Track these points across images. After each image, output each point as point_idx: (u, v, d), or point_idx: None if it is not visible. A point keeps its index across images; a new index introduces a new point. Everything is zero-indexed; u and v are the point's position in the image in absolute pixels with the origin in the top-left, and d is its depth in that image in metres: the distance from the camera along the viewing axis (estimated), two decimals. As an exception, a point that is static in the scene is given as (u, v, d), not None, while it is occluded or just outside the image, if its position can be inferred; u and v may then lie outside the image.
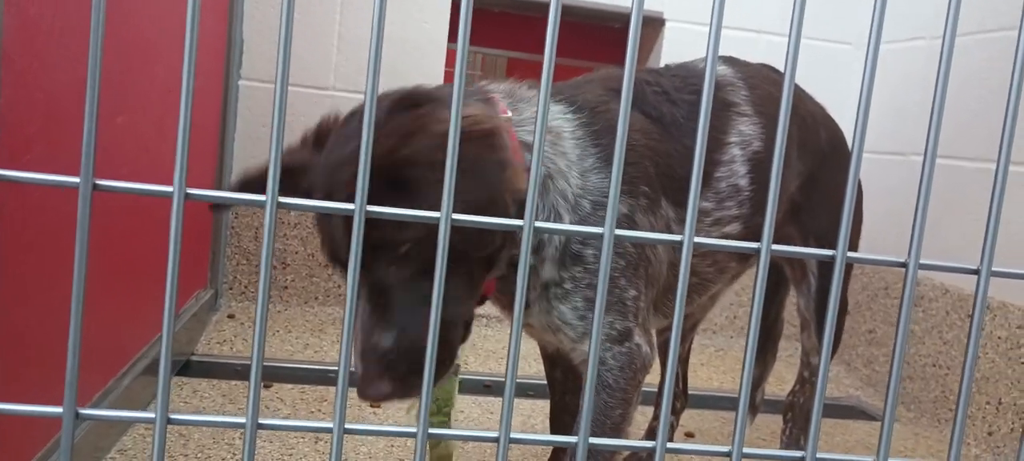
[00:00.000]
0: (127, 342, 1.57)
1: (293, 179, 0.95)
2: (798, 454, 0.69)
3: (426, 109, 0.95)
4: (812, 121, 1.41)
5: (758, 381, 1.66)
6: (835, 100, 1.83)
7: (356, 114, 0.99)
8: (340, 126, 1.00)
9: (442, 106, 0.95)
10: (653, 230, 1.12)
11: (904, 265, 0.70)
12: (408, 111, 0.94)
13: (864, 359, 2.55)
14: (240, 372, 1.95)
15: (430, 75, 2.58)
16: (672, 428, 1.70)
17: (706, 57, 0.61)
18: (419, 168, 0.89)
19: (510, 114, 1.07)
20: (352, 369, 0.86)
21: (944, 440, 2.08)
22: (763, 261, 0.66)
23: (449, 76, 3.66)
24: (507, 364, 0.62)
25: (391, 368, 0.92)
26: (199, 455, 1.48)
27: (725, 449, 0.70)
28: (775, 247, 0.66)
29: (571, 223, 1.08)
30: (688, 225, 0.65)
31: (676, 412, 1.70)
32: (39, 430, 1.18)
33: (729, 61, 1.35)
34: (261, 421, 0.61)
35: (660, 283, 1.20)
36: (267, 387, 1.88)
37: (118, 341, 1.52)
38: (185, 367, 1.94)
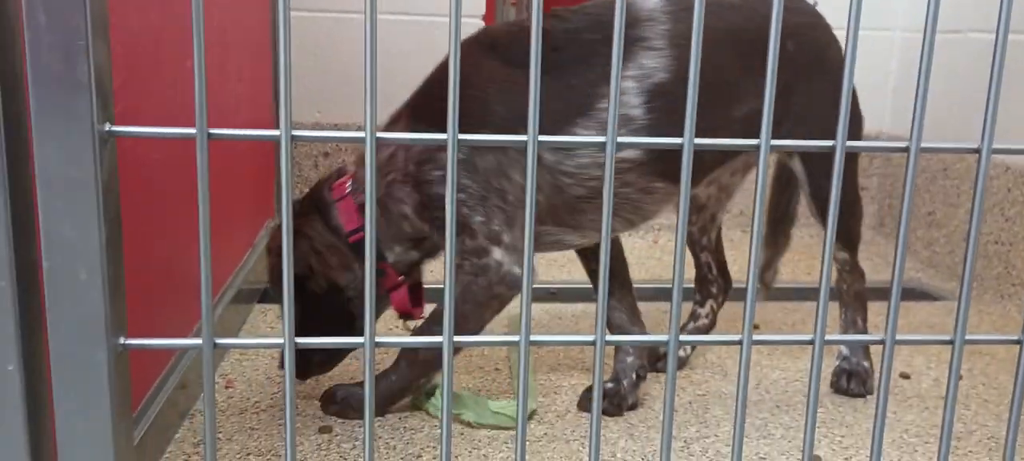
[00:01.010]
0: (215, 275, 1.65)
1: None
2: (878, 337, 0.73)
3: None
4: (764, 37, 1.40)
5: (769, 262, 1.74)
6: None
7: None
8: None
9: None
10: (500, 166, 1.31)
11: (977, 151, 0.73)
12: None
13: (924, 241, 2.55)
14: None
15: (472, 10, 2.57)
16: (713, 313, 1.76)
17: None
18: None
19: (348, 187, 1.41)
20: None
21: (1008, 315, 2.09)
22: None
23: (489, 2, 3.63)
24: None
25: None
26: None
27: (808, 337, 0.74)
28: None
29: (411, 194, 1.37)
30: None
31: (716, 301, 1.75)
32: (154, 360, 1.27)
33: None
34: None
35: (540, 206, 1.36)
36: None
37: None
38: (264, 295, 2.03)
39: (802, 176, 1.54)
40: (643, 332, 1.58)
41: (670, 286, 0.69)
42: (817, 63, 1.48)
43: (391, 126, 1.41)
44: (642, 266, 2.47)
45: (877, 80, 2.82)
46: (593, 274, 1.59)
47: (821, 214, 1.54)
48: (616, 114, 0.69)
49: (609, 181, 0.68)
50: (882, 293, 2.28)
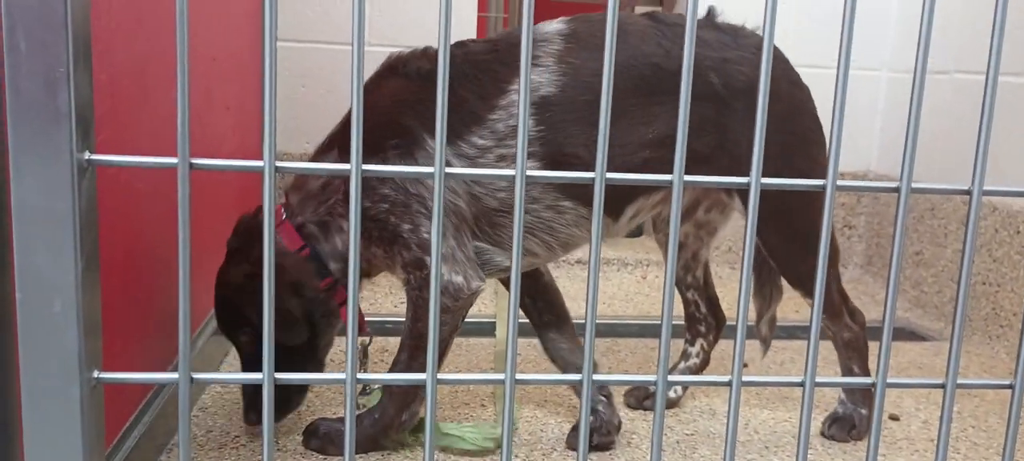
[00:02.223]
0: (195, 307, 1.63)
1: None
2: (869, 380, 0.72)
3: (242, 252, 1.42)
4: (696, 69, 1.42)
5: (760, 313, 1.70)
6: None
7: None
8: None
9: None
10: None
11: (968, 192, 0.72)
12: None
13: (912, 281, 2.55)
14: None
15: (462, 21, 2.59)
16: (705, 352, 1.74)
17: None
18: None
19: (284, 216, 1.44)
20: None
21: (996, 357, 2.09)
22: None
23: (481, 22, 3.65)
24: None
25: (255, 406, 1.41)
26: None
27: (798, 379, 0.73)
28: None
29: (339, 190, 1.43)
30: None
31: (706, 339, 1.73)
32: (132, 394, 1.24)
33: (575, 19, 1.47)
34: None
35: (464, 214, 1.41)
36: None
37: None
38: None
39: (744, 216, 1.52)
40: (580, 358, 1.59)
41: (658, 322, 0.68)
42: (751, 98, 1.45)
43: (322, 153, 1.48)
44: (630, 302, 2.46)
45: (864, 120, 2.83)
46: (528, 310, 1.61)
47: (770, 257, 1.53)
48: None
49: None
50: (872, 333, 2.27)
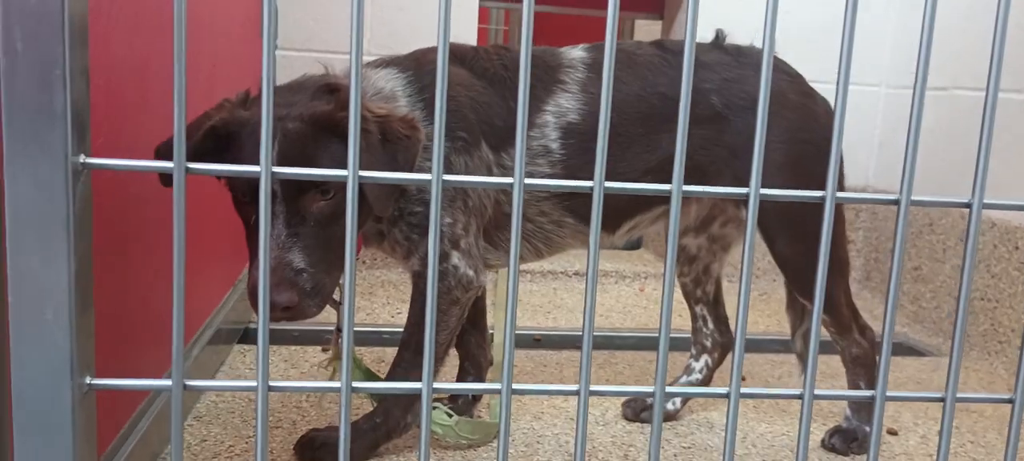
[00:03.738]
0: (192, 314, 1.62)
1: (229, 137, 1.20)
2: (869, 394, 0.72)
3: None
4: (695, 94, 1.45)
5: (794, 328, 1.70)
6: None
7: (283, 88, 1.33)
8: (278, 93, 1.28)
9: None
10: (468, 168, 1.38)
11: (968, 205, 0.72)
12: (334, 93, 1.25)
13: (910, 296, 2.55)
14: (297, 338, 2.01)
15: (463, 31, 2.59)
16: (709, 369, 1.73)
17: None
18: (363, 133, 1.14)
19: None
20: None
21: (994, 372, 2.08)
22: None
23: (482, 33, 3.64)
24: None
25: (297, 284, 1.14)
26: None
27: (797, 392, 0.72)
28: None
29: None
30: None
31: (711, 356, 1.73)
32: (126, 400, 1.24)
33: (597, 48, 1.52)
34: (271, 384, 0.66)
35: (486, 214, 1.44)
36: (325, 350, 1.94)
37: (186, 314, 1.57)
38: (244, 335, 2.00)
39: (762, 235, 1.55)
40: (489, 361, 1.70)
41: (656, 335, 0.67)
42: (753, 115, 1.47)
43: (377, 67, 1.45)
44: (628, 314, 2.45)
45: (863, 135, 2.84)
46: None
47: (784, 273, 1.57)
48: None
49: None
50: (877, 347, 2.26)
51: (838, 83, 0.68)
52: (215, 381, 0.66)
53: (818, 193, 0.70)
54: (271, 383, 0.67)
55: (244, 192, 1.21)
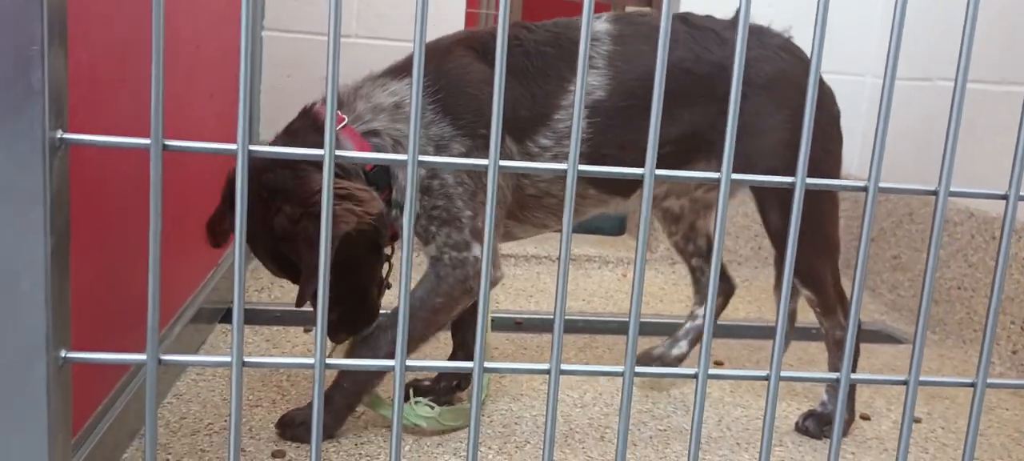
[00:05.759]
0: (174, 293, 1.62)
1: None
2: (834, 375, 0.73)
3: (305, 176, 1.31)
4: (710, 71, 1.49)
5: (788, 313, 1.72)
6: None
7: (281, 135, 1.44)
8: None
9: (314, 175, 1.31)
10: None
11: (935, 193, 0.73)
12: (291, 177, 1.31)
13: (889, 284, 2.58)
14: (280, 318, 2.02)
15: (450, 16, 2.59)
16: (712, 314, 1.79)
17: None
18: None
19: (346, 119, 1.39)
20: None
21: (969, 360, 2.11)
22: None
23: (471, 17, 3.63)
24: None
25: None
26: (250, 398, 1.54)
27: (763, 373, 0.73)
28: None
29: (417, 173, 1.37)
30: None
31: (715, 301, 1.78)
32: (104, 376, 1.24)
33: (619, 19, 1.52)
34: (246, 359, 0.67)
35: (506, 204, 1.49)
36: (307, 332, 1.95)
37: (167, 292, 1.58)
38: (227, 315, 2.00)
39: (758, 208, 1.56)
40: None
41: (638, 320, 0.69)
42: (771, 92, 1.51)
43: (395, 75, 1.47)
44: (610, 300, 2.47)
45: (847, 124, 2.85)
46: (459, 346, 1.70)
47: (774, 247, 1.59)
48: (578, 145, 0.69)
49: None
50: (862, 335, 2.29)
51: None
52: (190, 356, 0.67)
53: (789, 179, 0.71)
54: (246, 359, 0.67)
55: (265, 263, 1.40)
